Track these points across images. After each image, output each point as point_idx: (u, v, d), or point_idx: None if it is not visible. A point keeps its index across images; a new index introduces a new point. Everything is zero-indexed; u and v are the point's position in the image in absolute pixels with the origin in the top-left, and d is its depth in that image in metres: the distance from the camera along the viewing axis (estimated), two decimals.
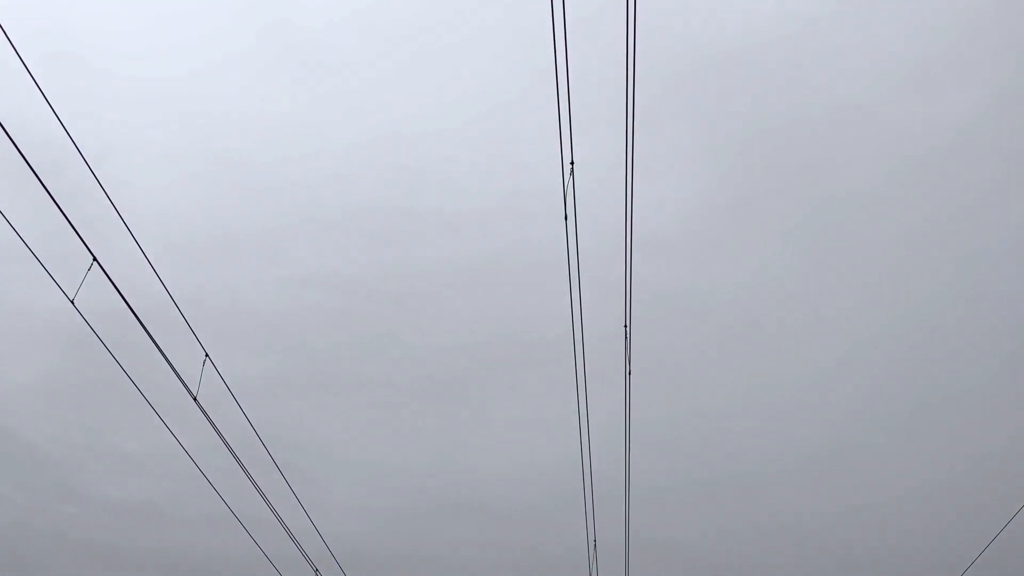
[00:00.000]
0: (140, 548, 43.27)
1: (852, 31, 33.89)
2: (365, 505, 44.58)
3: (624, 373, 12.74)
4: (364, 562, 44.48)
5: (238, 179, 39.31)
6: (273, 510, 13.74)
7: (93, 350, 40.88)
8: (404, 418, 44.45)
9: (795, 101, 35.41)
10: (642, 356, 40.33)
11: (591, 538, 17.66)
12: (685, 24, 34.94)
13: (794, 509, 40.97)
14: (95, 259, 10.58)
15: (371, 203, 39.62)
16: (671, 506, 42.42)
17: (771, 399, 40.14)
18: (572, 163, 11.72)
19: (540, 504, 43.68)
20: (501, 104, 37.50)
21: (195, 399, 11.46)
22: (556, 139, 37.39)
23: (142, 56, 36.26)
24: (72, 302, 11.37)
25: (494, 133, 38.03)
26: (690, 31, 34.97)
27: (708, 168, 37.60)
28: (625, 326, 12.31)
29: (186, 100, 37.47)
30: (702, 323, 40.06)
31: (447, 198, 39.35)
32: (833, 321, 38.83)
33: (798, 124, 35.86)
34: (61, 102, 35.26)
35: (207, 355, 11.58)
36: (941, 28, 33.32)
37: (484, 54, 36.69)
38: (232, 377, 41.87)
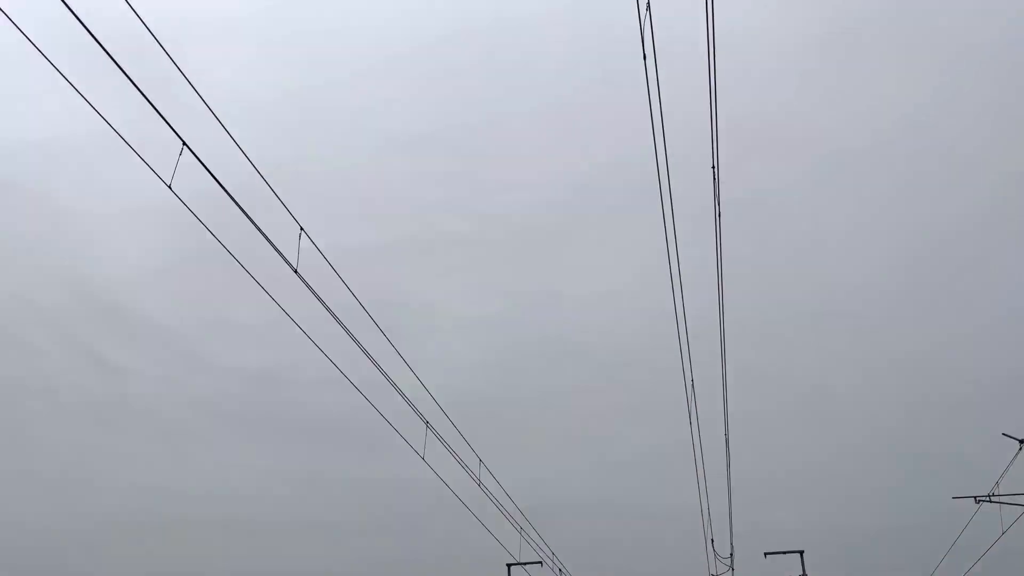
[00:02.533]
0: (265, 411, 45.99)
1: None
2: (467, 358, 46.00)
3: (714, 214, 12.59)
4: (470, 411, 46.32)
5: (317, 48, 39.08)
6: (381, 370, 14.39)
7: (199, 229, 42.37)
8: (499, 274, 45.10)
9: None
10: (732, 192, 39.50)
11: (688, 377, 17.99)
12: None
13: (893, 338, 40.57)
14: (184, 144, 10.87)
15: (453, 58, 38.98)
16: (765, 339, 42.45)
17: (863, 221, 39.03)
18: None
19: (636, 347, 44.29)
20: None
21: (296, 271, 11.89)
22: None
23: None
24: (170, 187, 11.75)
25: None
26: None
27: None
28: (713, 167, 12.06)
29: None
30: (793, 156, 38.78)
31: (528, 43, 38.42)
32: (942, 142, 37.18)
33: None
34: None
35: (302, 228, 11.93)
36: None
37: None
38: (332, 246, 43.12)
